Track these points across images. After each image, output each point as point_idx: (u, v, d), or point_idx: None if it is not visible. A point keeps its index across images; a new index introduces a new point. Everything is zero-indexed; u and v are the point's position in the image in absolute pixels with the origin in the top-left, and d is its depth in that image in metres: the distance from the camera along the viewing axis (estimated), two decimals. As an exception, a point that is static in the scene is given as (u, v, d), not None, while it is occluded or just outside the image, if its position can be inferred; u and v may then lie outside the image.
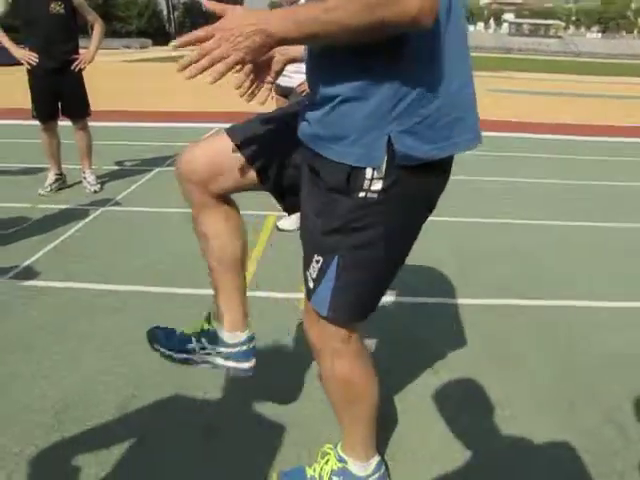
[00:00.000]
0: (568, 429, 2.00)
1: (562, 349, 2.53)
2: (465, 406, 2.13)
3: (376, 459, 1.68)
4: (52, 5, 4.39)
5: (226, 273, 1.56)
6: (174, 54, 29.30)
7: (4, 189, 4.85)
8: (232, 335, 1.60)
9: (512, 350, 2.51)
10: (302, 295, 2.81)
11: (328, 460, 1.70)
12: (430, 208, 1.35)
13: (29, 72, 4.54)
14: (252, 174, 1.47)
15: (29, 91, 4.61)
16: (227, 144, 1.45)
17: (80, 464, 1.80)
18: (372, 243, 1.29)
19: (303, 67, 4.22)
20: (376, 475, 1.67)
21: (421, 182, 1.25)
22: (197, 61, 1.05)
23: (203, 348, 1.62)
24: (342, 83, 1.16)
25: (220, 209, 1.53)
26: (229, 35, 1.05)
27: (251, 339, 1.63)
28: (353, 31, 1.02)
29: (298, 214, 4.14)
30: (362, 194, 1.22)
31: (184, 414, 2.04)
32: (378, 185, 1.21)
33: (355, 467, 1.65)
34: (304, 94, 3.83)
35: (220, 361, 1.62)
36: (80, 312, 2.74)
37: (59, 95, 4.60)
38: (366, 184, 1.21)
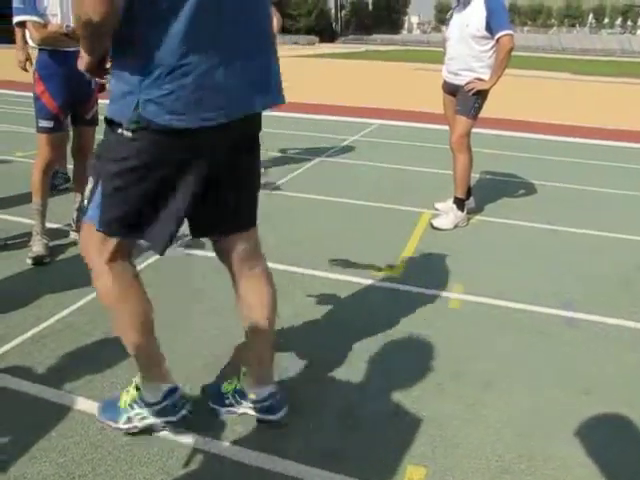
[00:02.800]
0: None
1: None
2: (618, 436, 1.97)
3: (166, 387, 1.83)
4: None
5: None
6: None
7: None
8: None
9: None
10: (450, 294, 2.76)
11: (130, 389, 1.88)
12: (181, 166, 1.55)
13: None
14: None
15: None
16: None
17: (227, 420, 1.93)
18: (122, 174, 1.54)
19: (472, 64, 4.17)
20: (166, 402, 1.82)
21: (167, 139, 1.50)
22: None
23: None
24: (115, 61, 1.53)
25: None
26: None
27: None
28: (87, 39, 1.47)
29: (455, 214, 4.02)
30: (119, 130, 1.52)
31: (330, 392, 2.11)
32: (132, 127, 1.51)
33: (146, 394, 1.83)
34: (471, 92, 3.77)
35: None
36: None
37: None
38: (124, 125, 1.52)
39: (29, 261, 3.06)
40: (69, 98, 3.10)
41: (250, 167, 1.75)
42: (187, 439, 1.84)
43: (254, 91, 1.57)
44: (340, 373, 2.21)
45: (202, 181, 1.59)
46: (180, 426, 1.86)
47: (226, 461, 1.77)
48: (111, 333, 2.39)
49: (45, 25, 2.95)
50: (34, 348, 2.30)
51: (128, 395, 1.87)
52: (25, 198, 3.73)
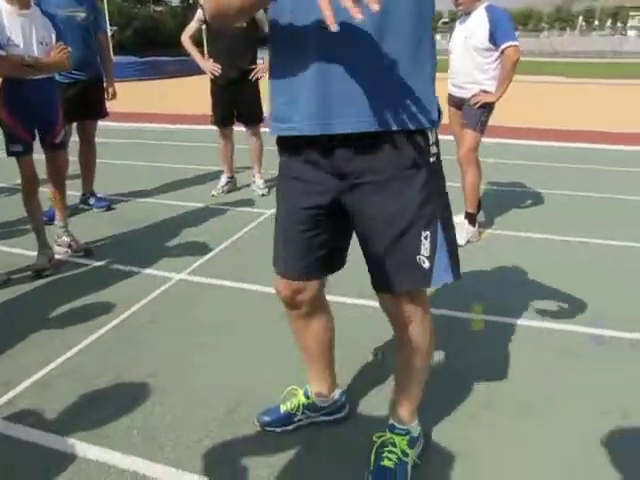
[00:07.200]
0: None
1: None
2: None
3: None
4: (236, 18, 4.67)
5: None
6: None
7: (181, 189, 5.26)
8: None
9: None
10: (471, 315, 2.61)
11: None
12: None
13: (212, 82, 4.86)
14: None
15: (210, 99, 4.94)
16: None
17: (250, 464, 1.84)
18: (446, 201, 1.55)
19: (477, 77, 4.11)
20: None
21: None
22: None
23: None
24: None
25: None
26: None
27: None
28: None
29: (467, 229, 3.90)
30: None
31: (349, 432, 2.02)
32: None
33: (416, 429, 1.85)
34: (477, 105, 3.70)
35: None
36: (249, 313, 2.85)
37: (236, 103, 4.87)
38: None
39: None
40: (35, 124, 3.25)
41: None
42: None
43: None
44: (363, 406, 2.13)
45: None
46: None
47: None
48: (124, 372, 2.32)
49: (6, 57, 3.00)
50: (42, 393, 2.20)
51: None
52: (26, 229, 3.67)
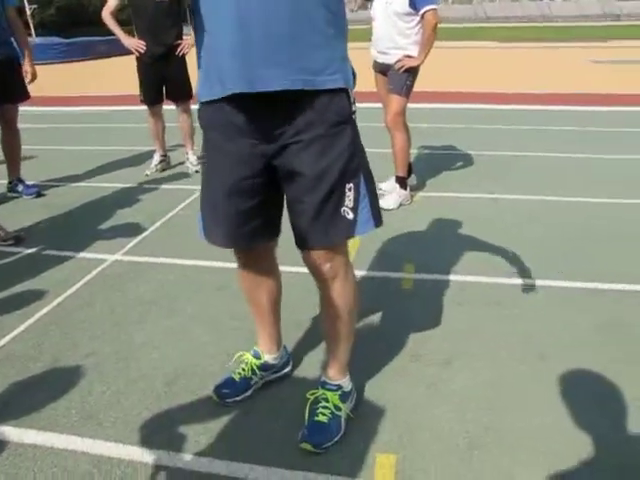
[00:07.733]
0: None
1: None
2: (595, 401, 1.99)
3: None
4: (158, -7, 4.55)
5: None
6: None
7: (114, 171, 5.14)
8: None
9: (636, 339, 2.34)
10: (402, 274, 2.73)
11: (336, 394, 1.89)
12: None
13: (137, 59, 4.74)
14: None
15: (137, 78, 4.82)
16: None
17: (189, 432, 1.87)
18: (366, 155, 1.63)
19: (400, 42, 4.13)
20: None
21: None
22: None
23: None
24: None
25: None
26: None
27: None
28: None
29: (399, 193, 4.01)
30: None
31: (284, 393, 2.08)
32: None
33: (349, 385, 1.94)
34: (402, 70, 3.76)
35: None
36: (187, 288, 2.86)
37: (164, 79, 4.77)
38: None
39: None
40: None
41: None
42: (150, 457, 1.77)
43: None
44: (297, 367, 2.19)
45: None
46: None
47: (194, 475, 1.71)
48: (61, 355, 2.30)
49: None
50: (-26, 383, 2.16)
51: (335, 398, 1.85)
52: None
